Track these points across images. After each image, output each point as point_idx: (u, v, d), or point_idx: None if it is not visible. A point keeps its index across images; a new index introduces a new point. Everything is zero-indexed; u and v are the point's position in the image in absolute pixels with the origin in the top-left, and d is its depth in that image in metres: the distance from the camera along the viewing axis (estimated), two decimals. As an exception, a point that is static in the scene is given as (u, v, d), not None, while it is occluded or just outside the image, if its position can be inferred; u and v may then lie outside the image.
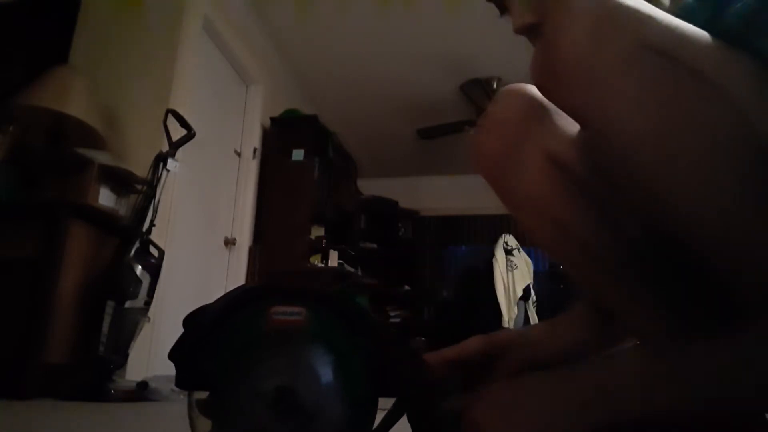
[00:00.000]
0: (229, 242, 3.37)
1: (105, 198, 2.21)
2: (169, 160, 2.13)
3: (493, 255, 4.77)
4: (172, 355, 0.48)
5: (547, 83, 0.53)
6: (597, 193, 0.59)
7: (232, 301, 0.49)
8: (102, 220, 2.13)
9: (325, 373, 0.46)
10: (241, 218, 3.47)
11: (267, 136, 3.79)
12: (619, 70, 0.47)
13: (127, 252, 1.97)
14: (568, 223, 0.62)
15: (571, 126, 0.61)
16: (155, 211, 2.08)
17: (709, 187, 0.46)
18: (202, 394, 0.48)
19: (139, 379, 1.95)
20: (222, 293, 0.52)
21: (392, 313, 5.29)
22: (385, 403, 0.52)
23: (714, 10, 0.51)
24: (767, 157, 0.44)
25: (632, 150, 0.48)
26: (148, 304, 2.03)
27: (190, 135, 2.26)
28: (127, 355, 1.98)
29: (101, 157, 2.23)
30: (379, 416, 0.51)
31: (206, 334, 0.48)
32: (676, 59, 0.46)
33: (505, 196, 0.70)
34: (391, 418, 0.53)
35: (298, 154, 3.74)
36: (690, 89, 0.46)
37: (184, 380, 0.48)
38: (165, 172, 2.13)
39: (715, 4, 0.51)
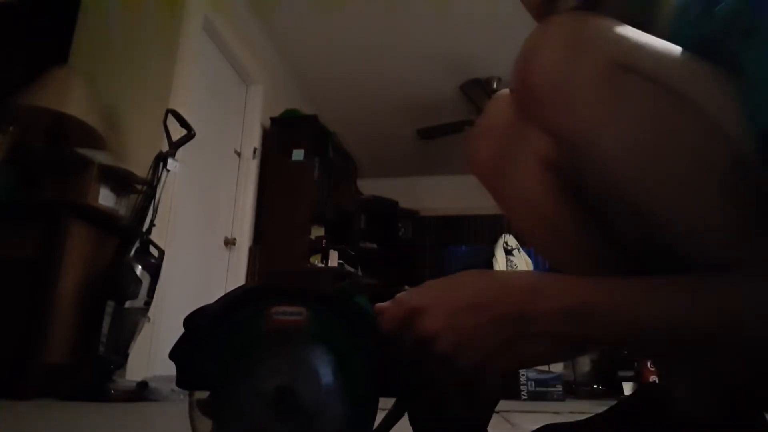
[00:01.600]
0: (229, 242, 3.37)
1: (105, 198, 2.21)
2: (169, 160, 2.13)
3: (493, 255, 4.77)
4: (173, 355, 0.48)
5: (524, 102, 0.53)
6: (588, 195, 0.59)
7: (232, 301, 0.49)
8: (102, 220, 2.13)
9: (326, 373, 0.46)
10: (241, 218, 3.47)
11: (267, 136, 3.79)
12: (593, 88, 0.48)
13: (127, 252, 1.97)
14: (562, 225, 0.62)
15: None
16: (155, 211, 2.08)
17: (687, 198, 0.46)
18: (203, 394, 0.48)
19: (139, 379, 1.95)
20: (222, 293, 0.52)
21: (392, 313, 5.28)
22: (386, 403, 0.52)
23: (705, 7, 0.51)
24: (743, 164, 0.45)
25: (608, 166, 0.49)
26: (148, 304, 2.03)
27: (190, 135, 2.26)
28: (127, 355, 1.98)
29: (101, 157, 2.22)
30: (380, 416, 0.51)
31: (207, 334, 0.48)
32: (650, 77, 0.47)
33: (500, 199, 0.71)
34: (392, 419, 0.53)
35: (298, 154, 3.74)
36: (664, 105, 0.47)
37: (184, 380, 0.48)
38: (165, 172, 2.13)
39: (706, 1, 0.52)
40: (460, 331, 0.46)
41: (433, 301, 0.49)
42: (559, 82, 0.49)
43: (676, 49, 0.49)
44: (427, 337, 0.47)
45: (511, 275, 0.50)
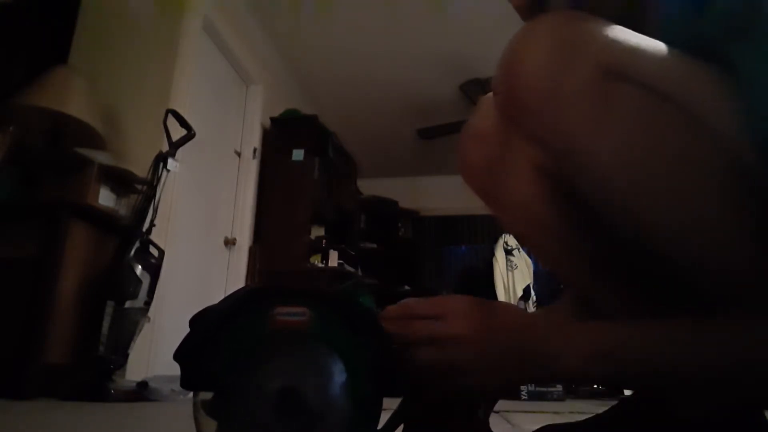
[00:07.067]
0: (229, 242, 3.37)
1: (105, 198, 2.21)
2: (169, 160, 2.13)
3: (493, 255, 4.78)
4: (178, 356, 0.48)
5: (509, 110, 0.51)
6: (581, 198, 0.59)
7: (236, 302, 0.49)
8: (102, 220, 2.13)
9: (329, 373, 0.47)
10: (241, 218, 3.47)
11: (267, 136, 3.79)
12: (584, 99, 0.45)
13: (127, 252, 1.97)
14: (555, 228, 0.61)
15: None
16: (155, 211, 2.08)
17: (681, 206, 0.46)
18: (207, 395, 0.48)
19: (139, 379, 1.94)
20: (222, 293, 0.52)
21: (392, 313, 5.28)
22: (391, 403, 0.52)
23: (698, 5, 0.50)
24: (741, 169, 0.44)
25: (601, 176, 0.47)
26: (148, 304, 2.03)
27: (190, 135, 2.26)
28: (127, 355, 1.98)
29: (101, 157, 2.22)
30: (384, 417, 0.51)
31: (211, 334, 0.48)
32: (643, 84, 0.45)
33: (491, 201, 0.70)
34: (397, 419, 0.53)
35: (298, 154, 3.74)
36: (658, 114, 0.45)
37: (189, 381, 0.48)
38: (165, 172, 2.12)
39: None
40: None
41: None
42: (547, 92, 0.46)
43: (669, 52, 0.47)
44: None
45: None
